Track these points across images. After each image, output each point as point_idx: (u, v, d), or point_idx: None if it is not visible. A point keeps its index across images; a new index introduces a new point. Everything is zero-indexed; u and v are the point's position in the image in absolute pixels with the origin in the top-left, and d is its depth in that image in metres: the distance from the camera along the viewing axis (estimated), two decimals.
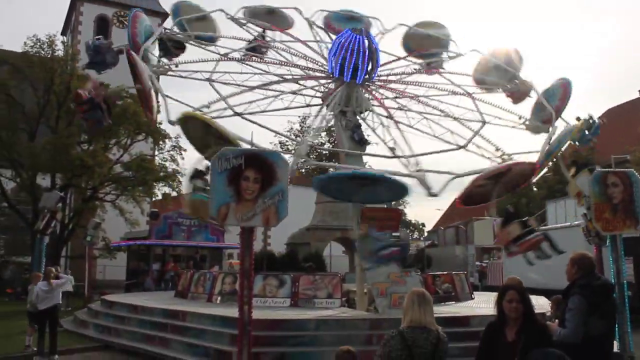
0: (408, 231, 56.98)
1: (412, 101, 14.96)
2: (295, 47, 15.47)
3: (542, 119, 13.94)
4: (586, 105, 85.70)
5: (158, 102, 11.27)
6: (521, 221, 12.97)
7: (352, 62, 13.93)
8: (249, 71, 13.87)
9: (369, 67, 14.38)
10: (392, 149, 13.55)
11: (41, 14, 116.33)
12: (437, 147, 13.72)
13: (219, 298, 16.14)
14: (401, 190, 12.04)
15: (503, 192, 13.26)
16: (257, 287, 14.50)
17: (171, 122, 11.01)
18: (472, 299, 17.67)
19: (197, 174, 11.77)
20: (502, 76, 15.03)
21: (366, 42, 14.05)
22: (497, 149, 13.62)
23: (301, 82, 14.83)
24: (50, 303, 12.51)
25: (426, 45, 16.34)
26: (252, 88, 13.38)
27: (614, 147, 33.26)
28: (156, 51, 13.39)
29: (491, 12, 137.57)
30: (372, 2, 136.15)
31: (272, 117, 13.42)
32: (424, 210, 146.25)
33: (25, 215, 30.81)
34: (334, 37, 15.64)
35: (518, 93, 14.97)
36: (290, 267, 20.86)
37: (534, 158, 12.77)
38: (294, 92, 14.48)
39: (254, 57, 14.37)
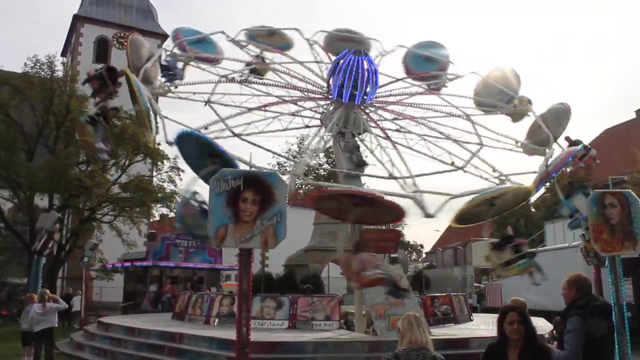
0: (406, 252, 56.80)
1: (410, 123, 15.00)
2: (295, 68, 15.57)
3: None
4: (583, 126, 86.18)
5: (157, 122, 11.32)
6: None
7: (350, 83, 13.98)
8: (248, 92, 13.93)
9: (368, 89, 14.45)
10: (389, 173, 13.55)
11: (42, 36, 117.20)
12: (435, 169, 13.77)
13: (217, 320, 16.03)
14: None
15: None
16: (255, 308, 14.41)
17: (169, 143, 11.06)
18: (471, 320, 17.58)
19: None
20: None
21: (365, 63, 14.12)
22: (494, 170, 13.67)
23: (299, 103, 14.87)
24: (45, 325, 12.43)
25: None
26: (250, 109, 13.42)
27: (611, 167, 33.38)
28: (158, 74, 13.54)
29: (488, 33, 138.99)
30: (372, 24, 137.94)
31: (270, 138, 13.38)
32: (422, 232, 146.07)
33: (22, 236, 30.71)
34: (333, 57, 15.80)
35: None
36: (288, 288, 20.72)
37: (529, 179, 12.81)
38: (292, 114, 14.53)
39: (253, 79, 14.45)
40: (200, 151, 10.50)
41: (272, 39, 15.84)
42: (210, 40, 15.02)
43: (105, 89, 11.09)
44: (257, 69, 15.02)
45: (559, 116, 14.30)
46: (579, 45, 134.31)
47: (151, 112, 10.66)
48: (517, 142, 14.41)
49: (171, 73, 12.99)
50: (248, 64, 14.95)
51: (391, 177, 13.51)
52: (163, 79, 12.90)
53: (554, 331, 7.18)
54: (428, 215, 12.03)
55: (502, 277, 12.15)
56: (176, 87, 13.00)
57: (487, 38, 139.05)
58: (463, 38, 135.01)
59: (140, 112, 10.34)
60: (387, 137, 14.27)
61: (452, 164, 13.70)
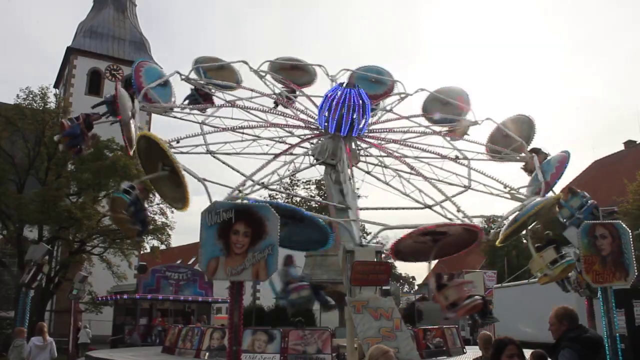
0: (398, 285, 56.58)
1: (403, 147, 14.96)
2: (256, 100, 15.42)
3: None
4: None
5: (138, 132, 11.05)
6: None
7: (349, 116, 14.03)
8: (249, 138, 13.73)
9: (360, 121, 14.52)
10: (422, 203, 13.42)
11: (35, 67, 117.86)
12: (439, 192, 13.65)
13: (207, 354, 15.82)
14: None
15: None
16: (246, 342, 14.24)
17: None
18: (464, 353, 17.44)
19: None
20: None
21: (358, 95, 14.21)
22: (506, 186, 13.64)
23: (302, 145, 14.74)
24: None
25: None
26: (275, 156, 13.08)
27: (600, 198, 33.54)
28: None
29: (473, 63, 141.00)
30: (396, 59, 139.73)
31: (262, 169, 13.09)
32: (413, 264, 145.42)
33: (10, 268, 30.36)
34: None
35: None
36: (279, 321, 20.53)
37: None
38: (302, 154, 14.38)
39: (245, 125, 14.17)
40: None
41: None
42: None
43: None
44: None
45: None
46: (568, 76, 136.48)
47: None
48: (505, 186, 14.29)
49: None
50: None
51: (427, 206, 13.35)
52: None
53: None
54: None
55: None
56: (178, 142, 12.68)
57: (481, 72, 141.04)
58: (459, 70, 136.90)
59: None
60: (413, 170, 14.03)
61: (466, 186, 13.58)
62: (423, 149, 14.64)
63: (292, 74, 16.06)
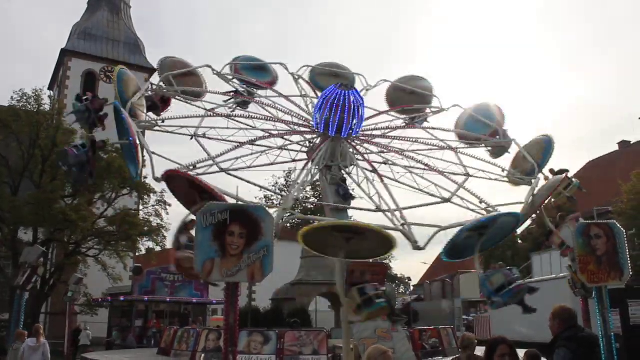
0: (394, 285, 56.59)
1: (396, 155, 15.01)
2: (281, 102, 15.51)
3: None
4: (566, 157, 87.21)
5: (144, 157, 11.14)
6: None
7: (337, 117, 14.02)
8: (235, 127, 13.79)
9: (354, 122, 14.51)
10: (377, 206, 13.48)
11: (29, 69, 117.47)
12: (423, 201, 13.72)
13: (203, 355, 15.80)
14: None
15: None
16: (242, 343, 14.23)
17: (157, 179, 10.83)
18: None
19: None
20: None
21: (351, 96, 14.21)
22: (481, 201, 13.68)
23: (286, 137, 14.80)
24: None
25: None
26: (241, 144, 13.22)
27: (595, 198, 33.69)
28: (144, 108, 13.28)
29: (471, 65, 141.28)
30: (357, 57, 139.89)
31: (258, 172, 13.02)
32: (409, 264, 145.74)
33: (5, 270, 30.24)
34: (318, 93, 15.83)
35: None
36: (275, 323, 20.52)
37: (516, 209, 12.80)
38: (280, 148, 14.44)
39: (240, 113, 14.30)
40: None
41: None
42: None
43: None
44: (244, 101, 14.88)
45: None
46: (563, 78, 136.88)
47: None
48: (503, 170, 14.47)
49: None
50: (232, 97, 14.78)
51: (378, 209, 13.44)
52: (149, 113, 12.59)
53: None
54: (417, 248, 11.99)
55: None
56: (163, 122, 12.75)
57: (473, 73, 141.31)
58: (451, 74, 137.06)
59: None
60: (374, 170, 14.22)
61: (446, 199, 13.61)
62: (414, 141, 14.72)
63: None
